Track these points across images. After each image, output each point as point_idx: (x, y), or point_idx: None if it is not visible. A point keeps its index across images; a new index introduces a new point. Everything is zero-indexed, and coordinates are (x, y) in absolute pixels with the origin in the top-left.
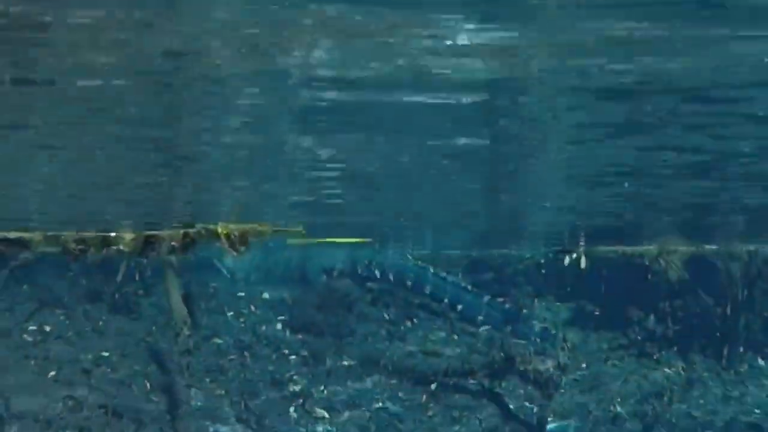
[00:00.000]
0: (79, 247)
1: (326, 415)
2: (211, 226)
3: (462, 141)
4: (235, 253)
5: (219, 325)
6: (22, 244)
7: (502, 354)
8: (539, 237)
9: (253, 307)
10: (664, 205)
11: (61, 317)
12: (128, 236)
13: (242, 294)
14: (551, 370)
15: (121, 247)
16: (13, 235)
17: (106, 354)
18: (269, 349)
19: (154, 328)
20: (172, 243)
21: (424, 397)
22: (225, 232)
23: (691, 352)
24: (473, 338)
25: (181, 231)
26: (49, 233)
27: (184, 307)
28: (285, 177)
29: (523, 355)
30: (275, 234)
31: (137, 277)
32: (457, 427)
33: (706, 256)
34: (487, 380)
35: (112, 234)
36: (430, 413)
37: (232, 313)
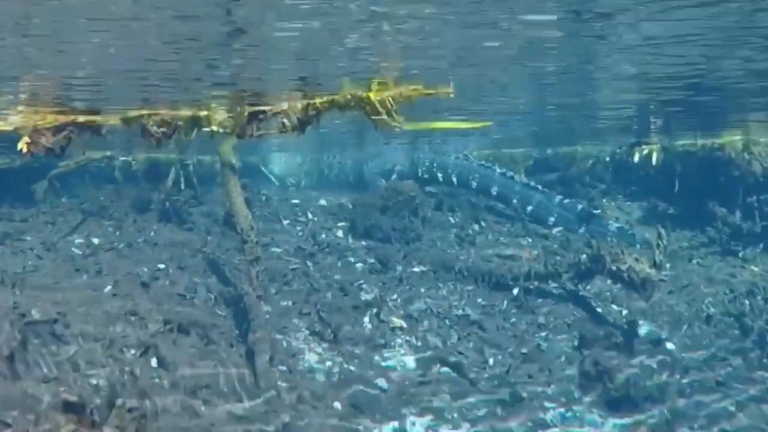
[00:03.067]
0: (162, 129)
1: (404, 325)
2: (357, 91)
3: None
4: (397, 127)
5: (276, 233)
6: (93, 128)
7: (587, 255)
8: (606, 132)
9: (310, 215)
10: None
11: (110, 229)
12: (220, 114)
13: (296, 201)
14: (647, 269)
15: (215, 128)
16: (83, 117)
17: (162, 266)
18: (333, 257)
19: (209, 237)
20: (285, 119)
21: (506, 303)
22: (379, 96)
23: None
24: (548, 240)
25: (303, 101)
26: (127, 115)
27: (248, 211)
28: None
29: (614, 255)
30: (425, 96)
31: (183, 185)
32: (544, 333)
33: None
34: (571, 283)
35: (203, 113)
36: (513, 320)
37: (288, 221)
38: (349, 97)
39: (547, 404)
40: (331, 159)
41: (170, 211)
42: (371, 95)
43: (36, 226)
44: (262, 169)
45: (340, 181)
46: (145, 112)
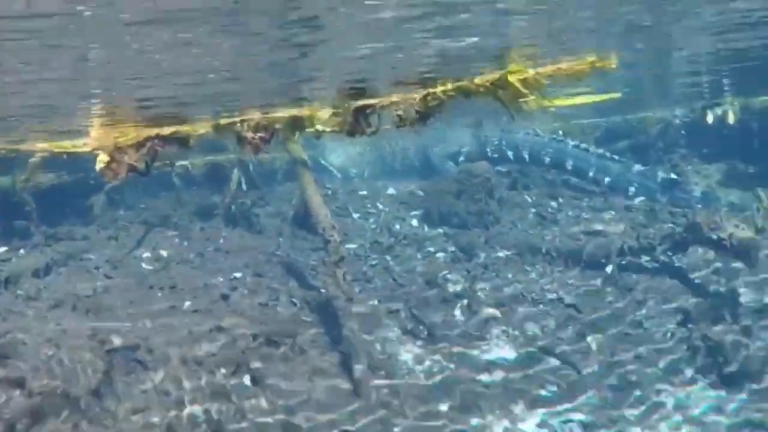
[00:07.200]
0: (259, 134)
1: (498, 314)
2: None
3: None
4: (550, 107)
5: (348, 228)
6: (180, 140)
7: (683, 224)
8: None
9: (380, 206)
10: None
11: (176, 239)
12: (324, 112)
13: (364, 192)
14: (750, 234)
15: (320, 128)
16: (167, 130)
17: (238, 275)
18: (412, 249)
19: (281, 239)
20: (399, 111)
21: (600, 282)
22: (521, 76)
23: None
24: (631, 212)
25: (421, 92)
26: (218, 122)
27: (327, 209)
28: None
29: (711, 222)
30: (585, 70)
31: (245, 186)
32: (644, 311)
33: None
34: (665, 255)
35: (304, 112)
36: (609, 299)
37: (359, 214)
38: (479, 81)
39: (659, 386)
40: (393, 146)
41: (236, 215)
42: (510, 77)
43: (98, 243)
44: (322, 161)
45: (405, 168)
46: (238, 117)
